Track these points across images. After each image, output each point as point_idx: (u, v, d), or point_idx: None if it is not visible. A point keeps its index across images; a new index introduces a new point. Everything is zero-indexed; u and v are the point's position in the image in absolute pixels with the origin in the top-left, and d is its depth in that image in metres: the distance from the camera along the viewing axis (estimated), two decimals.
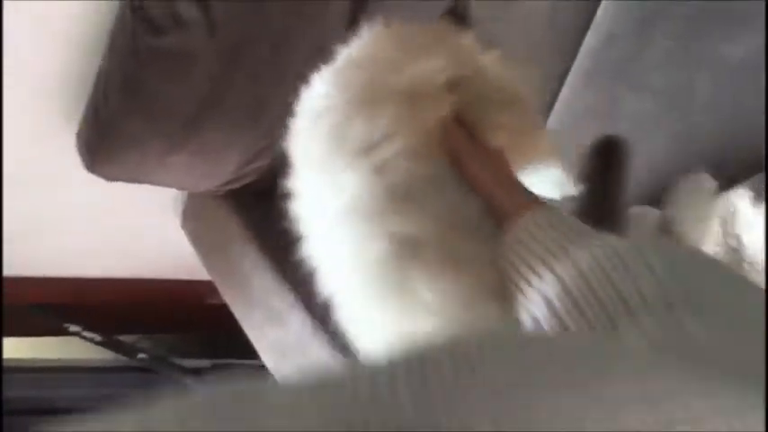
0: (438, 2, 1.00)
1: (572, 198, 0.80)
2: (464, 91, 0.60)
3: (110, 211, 2.00)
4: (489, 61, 0.67)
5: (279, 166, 1.91)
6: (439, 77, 0.60)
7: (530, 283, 0.51)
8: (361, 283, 0.65)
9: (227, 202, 1.88)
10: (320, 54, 1.80)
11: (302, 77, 1.80)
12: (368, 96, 0.64)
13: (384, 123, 0.60)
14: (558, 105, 1.31)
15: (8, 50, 1.55)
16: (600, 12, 1.26)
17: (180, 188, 1.98)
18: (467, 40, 0.71)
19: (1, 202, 1.64)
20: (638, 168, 1.17)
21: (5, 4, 1.49)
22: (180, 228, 2.08)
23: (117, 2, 1.65)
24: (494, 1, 1.40)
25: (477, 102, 0.60)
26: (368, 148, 0.63)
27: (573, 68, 1.29)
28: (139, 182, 1.80)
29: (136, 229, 2.09)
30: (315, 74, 0.80)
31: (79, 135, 1.69)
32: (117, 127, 1.64)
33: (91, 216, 1.97)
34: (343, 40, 1.76)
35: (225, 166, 1.79)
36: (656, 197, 1.12)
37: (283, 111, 1.83)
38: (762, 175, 1.06)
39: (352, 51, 0.80)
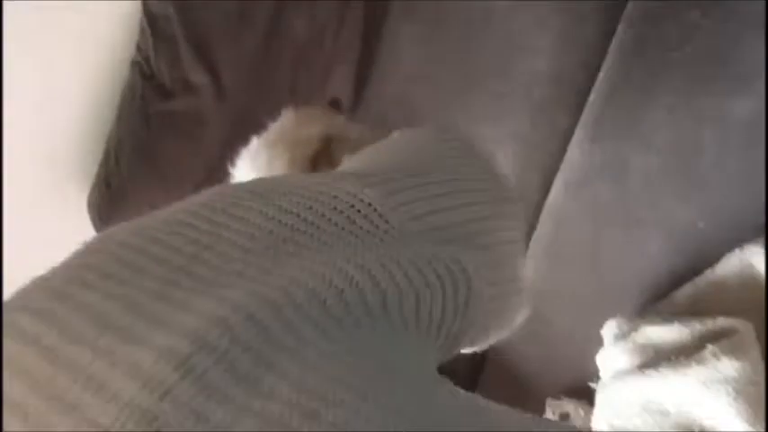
0: None
1: None
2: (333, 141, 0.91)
3: None
4: (350, 128, 0.97)
5: None
6: (314, 133, 0.94)
7: None
8: None
9: None
10: None
11: None
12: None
13: (279, 163, 0.92)
14: (564, 164, 1.31)
15: (17, 118, 1.58)
16: (603, 69, 1.27)
17: None
18: (338, 119, 1.04)
19: (1, 270, 1.64)
20: (650, 226, 1.16)
21: (16, 71, 1.52)
22: None
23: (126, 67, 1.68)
24: (498, 57, 1.42)
25: (339, 147, 0.89)
26: None
27: (579, 125, 1.29)
28: None
29: None
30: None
31: (90, 201, 1.71)
32: (129, 191, 1.65)
33: None
34: (349, 102, 1.81)
35: None
36: (673, 258, 1.11)
37: None
38: None
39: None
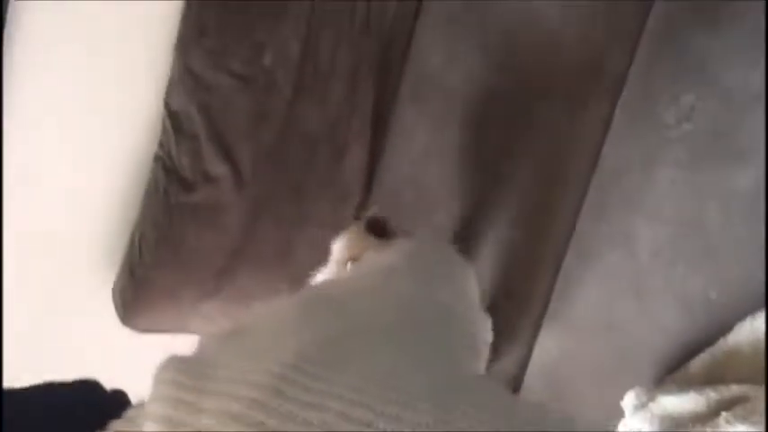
0: None
1: None
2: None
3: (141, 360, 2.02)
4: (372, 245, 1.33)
5: None
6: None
7: None
8: None
9: None
10: (340, 200, 1.90)
11: (323, 223, 1.89)
12: None
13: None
14: (574, 240, 1.36)
15: (48, 205, 1.65)
16: (605, 149, 1.33)
17: (215, 329, 2.01)
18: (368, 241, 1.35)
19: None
20: (663, 296, 1.19)
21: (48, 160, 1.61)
22: None
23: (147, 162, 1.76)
24: (504, 137, 1.49)
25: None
26: None
27: (585, 203, 1.34)
28: (173, 332, 1.83)
29: None
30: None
31: (114, 289, 1.75)
32: (152, 279, 1.70)
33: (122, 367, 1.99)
34: (360, 190, 1.87)
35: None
36: (687, 327, 1.14)
37: (308, 253, 1.91)
38: None
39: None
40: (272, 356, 0.55)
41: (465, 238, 1.50)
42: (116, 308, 1.75)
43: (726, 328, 1.10)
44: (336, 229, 1.83)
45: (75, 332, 1.78)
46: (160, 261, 1.70)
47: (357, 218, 1.62)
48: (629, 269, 1.24)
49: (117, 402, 0.64)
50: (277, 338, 0.62)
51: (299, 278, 1.86)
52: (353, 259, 1.36)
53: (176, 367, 0.57)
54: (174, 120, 1.69)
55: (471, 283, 1.07)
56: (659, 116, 1.21)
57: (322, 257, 1.82)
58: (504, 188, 1.50)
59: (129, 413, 0.55)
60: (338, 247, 1.42)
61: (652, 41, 1.26)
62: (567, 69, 1.38)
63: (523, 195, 1.47)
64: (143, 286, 1.70)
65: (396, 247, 1.04)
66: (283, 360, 0.53)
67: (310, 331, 0.61)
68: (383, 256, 1.07)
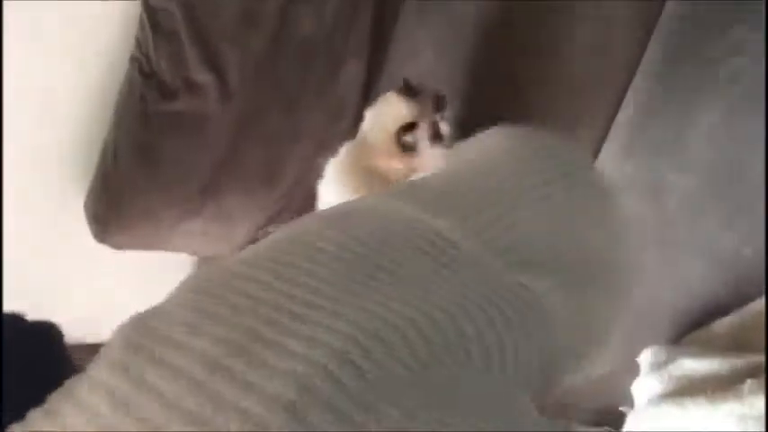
0: None
1: None
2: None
3: (117, 276, 1.92)
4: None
5: None
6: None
7: None
8: None
9: None
10: (334, 117, 1.76)
11: (315, 140, 1.76)
12: None
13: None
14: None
15: (8, 113, 1.49)
16: (637, 81, 1.20)
17: (192, 253, 1.90)
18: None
19: (1, 272, 1.56)
20: (690, 251, 1.11)
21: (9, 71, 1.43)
22: None
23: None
24: (529, 62, 1.35)
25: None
26: None
27: (609, 139, 1.23)
28: (150, 249, 1.72)
29: (145, 293, 2.00)
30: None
31: (87, 204, 1.61)
32: (128, 196, 1.56)
33: (98, 283, 1.89)
34: (357, 103, 1.73)
35: (238, 231, 1.72)
36: (714, 285, 1.06)
37: (299, 172, 1.79)
38: None
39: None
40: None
41: None
42: (89, 222, 1.62)
43: (758, 289, 1.02)
44: (329, 147, 1.70)
45: (46, 247, 1.67)
46: (137, 173, 1.56)
47: None
48: (655, 218, 1.14)
49: (41, 339, 0.61)
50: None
51: (288, 197, 1.75)
52: (405, 130, 1.26)
53: (132, 327, 0.53)
54: (151, 16, 1.51)
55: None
56: (703, 50, 1.09)
57: (313, 176, 1.71)
58: (515, 117, 1.38)
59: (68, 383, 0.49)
60: (382, 116, 1.31)
61: None
62: None
63: (536, 125, 1.35)
64: (118, 200, 1.57)
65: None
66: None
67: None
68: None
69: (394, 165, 1.33)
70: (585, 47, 1.22)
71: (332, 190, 1.41)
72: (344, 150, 1.39)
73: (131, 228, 1.60)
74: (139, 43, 1.55)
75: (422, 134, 1.29)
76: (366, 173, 1.35)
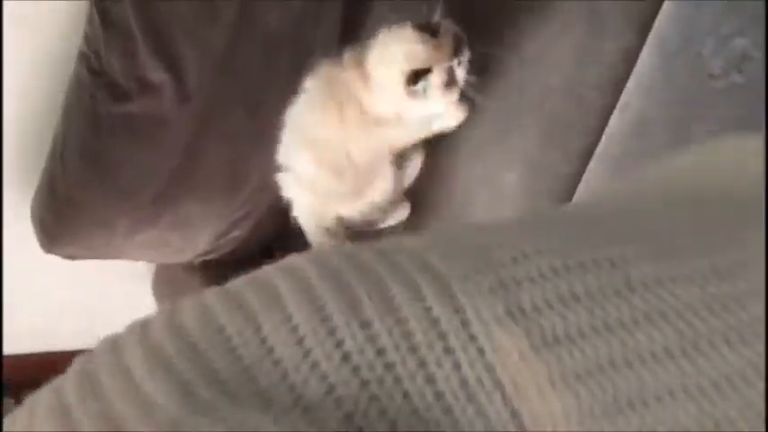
0: None
1: None
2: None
3: (74, 281, 1.80)
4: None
5: (258, 234, 1.77)
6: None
7: None
8: None
9: (201, 275, 1.70)
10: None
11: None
12: None
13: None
14: (580, 191, 1.17)
15: None
16: (626, 92, 1.12)
17: (150, 262, 1.79)
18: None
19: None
20: None
21: None
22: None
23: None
24: (504, 67, 1.25)
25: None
26: None
27: (598, 152, 1.14)
28: (104, 259, 1.60)
29: (103, 298, 1.90)
30: None
31: (34, 211, 1.49)
32: (78, 204, 1.44)
33: (52, 289, 1.78)
34: None
35: (200, 239, 1.60)
36: None
37: (265, 176, 1.68)
38: None
39: None
40: None
41: None
42: (35, 230, 1.49)
43: None
44: None
45: None
46: (87, 180, 1.44)
47: None
48: None
49: None
50: None
51: (253, 202, 1.64)
52: (418, 73, 1.14)
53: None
54: (101, 10, 1.38)
55: None
56: (702, 62, 1.00)
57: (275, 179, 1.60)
58: (500, 124, 1.28)
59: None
60: (393, 53, 1.17)
61: None
62: None
63: (523, 133, 1.26)
64: (67, 209, 1.45)
65: None
66: None
67: None
68: None
69: (384, 106, 1.22)
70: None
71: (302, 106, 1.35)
72: (327, 69, 1.30)
73: (82, 238, 1.49)
74: (88, 39, 1.42)
75: (435, 80, 1.16)
76: (344, 100, 1.26)
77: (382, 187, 1.36)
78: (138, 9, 1.37)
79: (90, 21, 1.39)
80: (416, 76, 1.16)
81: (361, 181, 1.34)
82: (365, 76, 1.23)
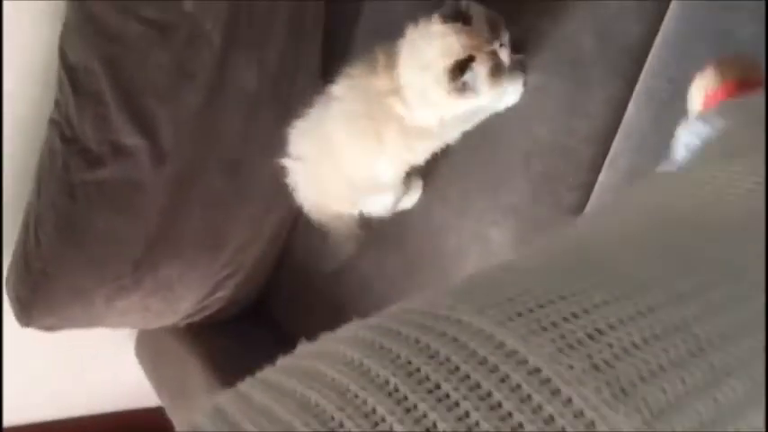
0: None
1: None
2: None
3: (55, 348, 1.73)
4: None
5: (243, 292, 1.71)
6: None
7: None
8: None
9: (184, 336, 1.63)
10: (283, 172, 1.59)
11: (265, 198, 1.60)
12: None
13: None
14: None
15: None
16: (618, 141, 1.08)
17: (133, 328, 1.73)
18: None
19: None
20: None
21: None
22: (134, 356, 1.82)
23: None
24: (493, 118, 1.21)
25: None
26: None
27: (599, 181, 1.10)
28: (84, 328, 1.54)
29: (87, 363, 1.82)
30: None
31: (8, 283, 1.42)
32: (54, 277, 1.38)
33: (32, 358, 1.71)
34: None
35: (182, 302, 1.54)
36: None
37: (247, 235, 1.63)
38: None
39: None
40: None
41: None
42: (11, 304, 1.43)
43: None
44: (278, 205, 1.55)
45: None
46: (62, 252, 1.38)
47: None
48: None
49: None
50: None
51: (236, 262, 1.59)
52: (461, 66, 1.04)
53: None
54: (71, 76, 1.33)
55: None
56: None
57: (258, 238, 1.55)
58: (490, 177, 1.24)
59: None
60: (426, 53, 1.07)
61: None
62: None
63: (513, 186, 1.22)
64: (43, 283, 1.38)
65: None
66: None
67: None
68: None
69: (429, 116, 1.12)
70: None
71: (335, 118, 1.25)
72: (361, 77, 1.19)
73: (59, 309, 1.42)
74: (59, 104, 1.37)
75: (481, 69, 1.04)
76: (382, 121, 1.16)
77: (384, 202, 1.33)
78: (110, 75, 1.32)
79: (60, 87, 1.34)
80: (460, 70, 1.04)
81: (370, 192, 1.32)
82: (399, 88, 1.12)
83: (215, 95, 1.40)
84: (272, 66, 1.43)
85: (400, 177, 1.27)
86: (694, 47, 0.97)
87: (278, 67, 1.42)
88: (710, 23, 0.95)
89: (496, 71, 1.06)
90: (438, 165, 1.30)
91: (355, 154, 1.25)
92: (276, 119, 1.47)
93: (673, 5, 1.01)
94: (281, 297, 1.67)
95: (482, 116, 1.20)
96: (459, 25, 1.04)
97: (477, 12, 1.06)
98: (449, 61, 1.04)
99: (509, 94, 1.18)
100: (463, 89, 1.05)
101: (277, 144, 1.48)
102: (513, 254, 1.20)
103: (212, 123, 1.42)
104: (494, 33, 1.04)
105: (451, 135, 1.22)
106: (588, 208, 1.11)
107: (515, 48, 1.11)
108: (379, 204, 1.34)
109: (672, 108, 0.99)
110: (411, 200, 1.35)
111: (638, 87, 1.04)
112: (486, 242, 1.23)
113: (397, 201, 1.33)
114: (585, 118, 1.12)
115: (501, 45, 1.05)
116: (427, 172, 1.32)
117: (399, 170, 1.26)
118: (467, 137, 1.25)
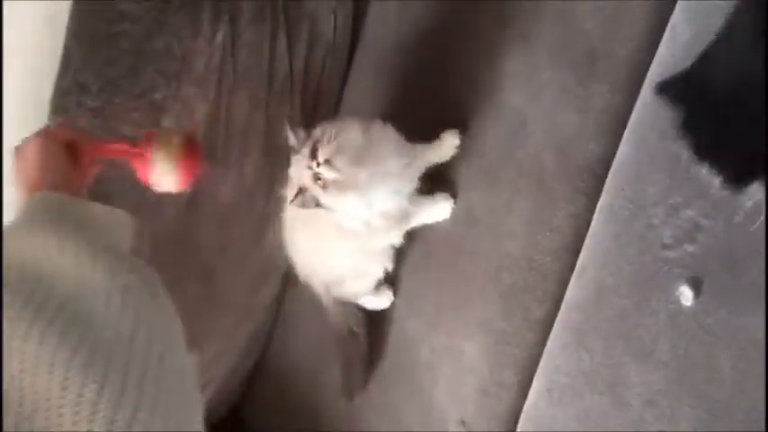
0: None
1: None
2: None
3: None
4: None
5: (217, 404, 1.65)
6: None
7: None
8: None
9: None
10: (258, 283, 1.58)
11: (239, 309, 1.57)
12: None
13: None
14: (542, 367, 1.10)
15: None
16: (582, 256, 1.08)
17: None
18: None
19: None
20: None
21: None
22: None
23: None
24: (466, 235, 1.22)
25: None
26: None
27: (558, 321, 1.09)
28: None
29: None
30: None
31: None
32: None
33: None
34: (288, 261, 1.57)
35: None
36: None
37: (220, 347, 1.59)
38: None
39: None
40: None
41: None
42: None
43: None
44: (252, 316, 1.52)
45: None
46: None
47: None
48: (617, 415, 0.99)
49: None
50: None
51: (207, 374, 1.54)
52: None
53: None
54: None
55: None
56: (654, 232, 0.97)
57: (230, 349, 1.51)
58: (461, 292, 1.23)
59: None
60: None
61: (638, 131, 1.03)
62: None
63: (483, 300, 1.21)
64: None
65: None
66: None
67: None
68: None
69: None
70: None
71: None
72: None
73: None
74: None
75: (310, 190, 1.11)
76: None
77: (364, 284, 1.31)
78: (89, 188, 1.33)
79: None
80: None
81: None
82: None
83: (191, 209, 1.40)
84: (247, 181, 1.44)
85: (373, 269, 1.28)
86: (647, 169, 0.99)
87: (253, 182, 1.44)
88: (660, 149, 0.98)
89: (327, 185, 1.09)
90: (415, 279, 1.30)
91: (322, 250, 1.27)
92: (250, 231, 1.48)
93: (629, 128, 1.04)
94: (257, 403, 1.62)
95: (407, 223, 1.22)
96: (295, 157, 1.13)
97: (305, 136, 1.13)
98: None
99: (438, 210, 1.22)
100: (306, 204, 1.12)
101: (252, 256, 1.49)
102: (486, 368, 1.18)
103: (188, 234, 1.42)
104: (312, 155, 1.09)
105: (388, 237, 1.23)
106: (557, 322, 1.10)
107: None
108: (358, 287, 1.32)
109: (631, 226, 1.00)
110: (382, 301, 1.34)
111: (600, 204, 1.05)
112: (457, 357, 1.20)
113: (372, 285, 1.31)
114: (551, 233, 1.12)
115: (318, 164, 1.08)
116: (405, 286, 1.31)
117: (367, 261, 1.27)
118: (443, 252, 1.25)
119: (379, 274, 1.28)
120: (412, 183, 1.18)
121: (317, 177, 1.09)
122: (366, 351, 1.32)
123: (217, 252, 1.46)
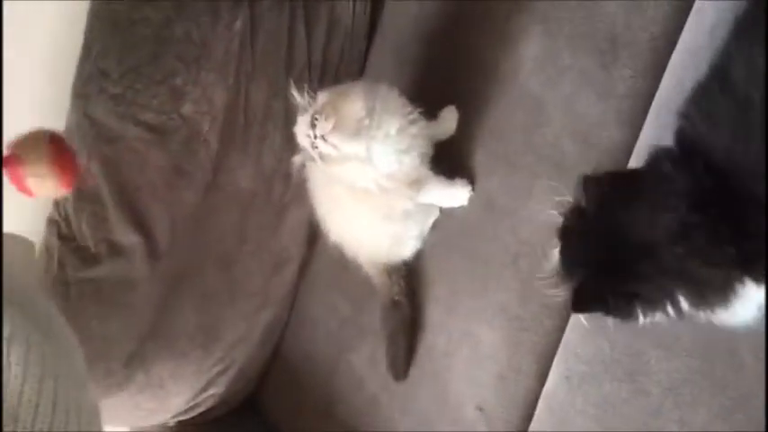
0: None
1: None
2: None
3: None
4: None
5: (236, 390, 1.65)
6: None
7: None
8: None
9: None
10: (277, 268, 1.57)
11: (258, 294, 1.56)
12: None
13: None
14: (560, 354, 1.08)
15: None
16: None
17: (122, 427, 1.66)
18: None
19: None
20: None
21: None
22: None
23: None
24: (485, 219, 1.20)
25: None
26: None
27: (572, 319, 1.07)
28: None
29: None
30: None
31: None
32: None
33: None
34: (303, 252, 1.56)
35: (173, 399, 1.48)
36: None
37: (241, 331, 1.58)
38: None
39: None
40: None
41: None
42: None
43: None
44: (272, 300, 1.51)
45: None
46: None
47: None
48: (635, 402, 0.97)
49: None
50: None
51: (228, 358, 1.53)
52: None
53: None
54: None
55: None
56: None
57: (250, 335, 1.50)
58: (479, 277, 1.21)
59: None
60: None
61: None
62: None
63: (501, 285, 1.19)
64: None
65: None
66: None
67: None
68: None
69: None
70: None
71: None
72: None
73: None
74: (57, 205, 1.37)
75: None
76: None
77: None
78: (108, 175, 1.32)
79: None
80: None
81: None
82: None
83: (211, 195, 1.39)
84: (266, 168, 1.43)
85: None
86: None
87: (271, 170, 1.42)
88: None
89: (323, 158, 1.09)
90: (433, 265, 1.28)
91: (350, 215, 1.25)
92: (269, 217, 1.47)
93: (650, 114, 1.02)
94: (273, 393, 1.60)
95: (420, 189, 1.18)
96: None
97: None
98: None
99: (455, 193, 1.20)
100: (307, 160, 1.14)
101: (270, 241, 1.48)
102: (504, 353, 1.16)
103: (207, 221, 1.41)
104: (311, 124, 1.09)
105: (401, 200, 1.19)
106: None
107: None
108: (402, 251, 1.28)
109: None
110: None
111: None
112: (475, 341, 1.18)
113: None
114: None
115: (315, 137, 1.08)
116: (423, 272, 1.29)
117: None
118: (460, 239, 1.23)
119: (415, 237, 1.26)
120: (418, 148, 1.14)
121: (315, 146, 1.09)
122: (409, 319, 1.28)
123: (236, 239, 1.45)
